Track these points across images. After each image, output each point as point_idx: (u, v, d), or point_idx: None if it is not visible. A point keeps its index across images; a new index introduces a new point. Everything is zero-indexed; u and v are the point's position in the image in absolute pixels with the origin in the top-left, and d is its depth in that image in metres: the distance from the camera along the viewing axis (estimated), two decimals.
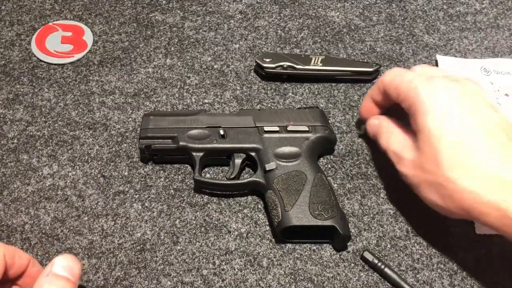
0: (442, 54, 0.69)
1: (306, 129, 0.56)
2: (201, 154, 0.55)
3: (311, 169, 0.53)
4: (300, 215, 0.50)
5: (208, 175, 0.58)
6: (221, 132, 0.56)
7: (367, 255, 0.51)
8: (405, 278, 0.51)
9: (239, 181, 0.55)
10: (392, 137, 0.51)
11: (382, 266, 0.51)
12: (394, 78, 0.51)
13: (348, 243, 0.53)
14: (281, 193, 0.52)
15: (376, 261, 0.51)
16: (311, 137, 0.56)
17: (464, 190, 0.43)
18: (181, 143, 0.55)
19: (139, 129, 0.60)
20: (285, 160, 0.54)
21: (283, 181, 0.53)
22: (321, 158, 0.59)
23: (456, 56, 0.69)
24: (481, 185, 0.42)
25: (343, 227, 0.50)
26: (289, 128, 0.56)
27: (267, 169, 0.54)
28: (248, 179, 0.54)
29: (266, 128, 0.56)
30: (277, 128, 0.56)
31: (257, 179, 0.54)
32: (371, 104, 0.56)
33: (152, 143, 0.56)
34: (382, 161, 0.59)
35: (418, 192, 0.48)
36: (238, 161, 0.56)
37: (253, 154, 0.55)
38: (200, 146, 0.55)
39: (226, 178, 0.55)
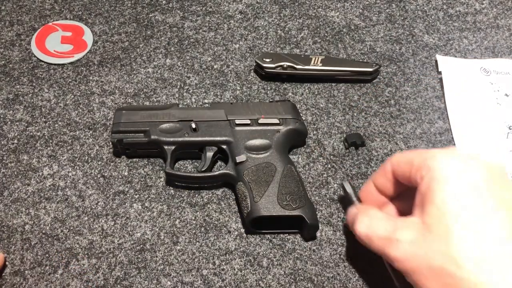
0: (442, 54, 0.69)
1: (277, 121, 0.57)
2: (173, 147, 0.56)
3: (281, 161, 0.54)
4: (268, 205, 0.51)
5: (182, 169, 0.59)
6: (193, 125, 0.57)
7: (347, 186, 0.51)
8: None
9: (210, 174, 0.56)
10: (374, 222, 0.44)
11: (355, 200, 0.50)
12: (405, 154, 0.45)
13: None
14: (251, 185, 0.53)
15: (352, 195, 0.50)
16: (281, 130, 0.57)
17: (472, 281, 0.36)
18: (152, 137, 0.56)
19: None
20: (255, 152, 0.55)
21: (253, 172, 0.53)
22: (321, 158, 0.59)
23: (456, 56, 0.69)
24: (492, 280, 0.36)
25: (310, 216, 0.51)
26: (260, 121, 0.57)
27: (237, 161, 0.54)
28: (219, 172, 0.55)
29: (237, 121, 0.57)
30: (248, 121, 0.57)
31: (228, 171, 0.55)
32: (373, 189, 0.49)
33: (124, 137, 0.57)
34: (381, 161, 0.59)
35: (415, 280, 0.39)
36: (209, 154, 0.56)
37: (224, 147, 0.56)
38: (171, 139, 0.56)
39: (198, 171, 0.56)
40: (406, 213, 0.45)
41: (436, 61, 0.68)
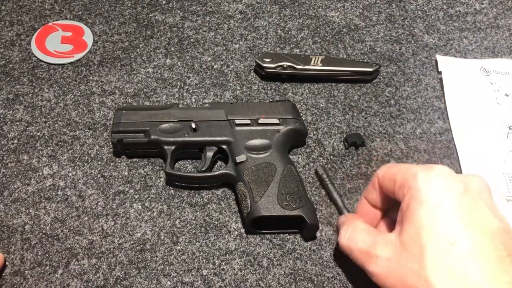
0: (442, 54, 0.69)
1: (277, 121, 0.57)
2: (173, 147, 0.56)
3: (281, 161, 0.54)
4: (268, 205, 0.51)
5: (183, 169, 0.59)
6: (193, 125, 0.57)
7: (319, 170, 0.57)
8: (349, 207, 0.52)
9: (210, 174, 0.56)
10: (357, 234, 0.44)
11: (328, 183, 0.55)
12: (390, 167, 0.45)
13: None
14: (251, 185, 0.53)
15: (325, 177, 0.56)
16: (281, 130, 0.57)
17: None
18: (152, 136, 0.56)
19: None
20: (255, 152, 0.55)
21: (253, 172, 0.53)
22: (321, 158, 0.59)
23: (456, 56, 0.69)
24: None
25: (310, 216, 0.51)
26: (260, 121, 0.57)
27: (237, 161, 0.54)
28: (219, 172, 0.55)
29: (237, 121, 0.57)
30: (248, 121, 0.57)
31: (228, 171, 0.55)
32: (366, 204, 0.49)
33: (124, 137, 0.57)
34: (382, 161, 0.59)
35: None
36: (209, 154, 0.56)
37: (224, 147, 0.56)
38: (171, 139, 0.56)
39: (198, 171, 0.56)
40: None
41: (436, 61, 0.68)
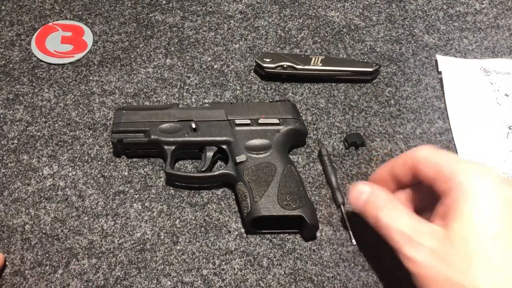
0: (442, 54, 0.69)
1: (277, 121, 0.57)
2: (173, 147, 0.56)
3: (281, 161, 0.54)
4: (268, 205, 0.51)
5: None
6: (193, 125, 0.57)
7: (323, 151, 0.58)
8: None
9: (210, 174, 0.56)
10: (398, 214, 0.43)
11: (329, 165, 0.57)
12: (433, 155, 0.43)
13: (348, 243, 0.53)
14: (251, 185, 0.53)
15: (325, 158, 0.58)
16: (281, 130, 0.57)
17: None
18: (152, 136, 0.56)
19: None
20: (255, 152, 0.55)
21: (253, 172, 0.53)
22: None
23: (456, 56, 0.69)
24: None
25: (310, 216, 0.51)
26: (260, 121, 0.57)
27: (237, 161, 0.54)
28: (219, 172, 0.55)
29: (237, 121, 0.57)
30: (248, 121, 0.57)
31: (228, 171, 0.55)
32: (386, 176, 0.48)
33: (124, 137, 0.57)
34: (382, 161, 0.59)
35: (427, 286, 0.39)
36: (209, 154, 0.56)
37: (224, 147, 0.56)
38: (171, 139, 0.56)
39: (198, 171, 0.56)
40: (411, 206, 0.47)
41: (436, 61, 0.68)
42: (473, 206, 0.39)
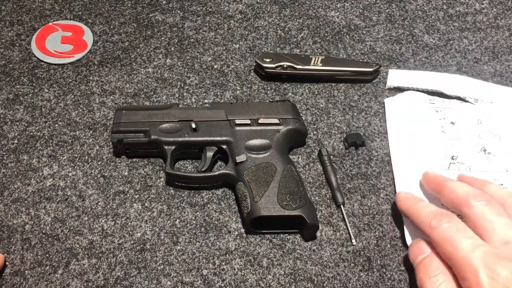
0: (442, 54, 0.69)
1: (277, 121, 0.57)
2: (173, 147, 0.56)
3: (281, 161, 0.54)
4: (268, 205, 0.51)
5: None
6: (193, 125, 0.57)
7: (323, 151, 0.58)
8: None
9: (210, 174, 0.56)
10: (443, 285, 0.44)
11: (329, 165, 0.57)
12: (444, 239, 0.44)
13: (348, 243, 0.53)
14: (251, 185, 0.53)
15: (325, 159, 0.58)
16: (281, 130, 0.57)
17: None
18: (153, 136, 0.56)
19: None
20: (255, 152, 0.55)
21: (253, 172, 0.53)
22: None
23: (456, 56, 0.69)
24: None
25: (310, 216, 0.51)
26: (260, 121, 0.57)
27: (237, 161, 0.54)
28: (219, 172, 0.55)
29: (237, 121, 0.57)
30: (248, 121, 0.57)
31: (228, 171, 0.55)
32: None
33: (125, 137, 0.57)
34: (381, 161, 0.59)
35: None
36: (209, 154, 0.56)
37: (224, 147, 0.56)
38: (171, 139, 0.56)
39: (198, 171, 0.56)
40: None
41: (387, 72, 0.66)
42: None
